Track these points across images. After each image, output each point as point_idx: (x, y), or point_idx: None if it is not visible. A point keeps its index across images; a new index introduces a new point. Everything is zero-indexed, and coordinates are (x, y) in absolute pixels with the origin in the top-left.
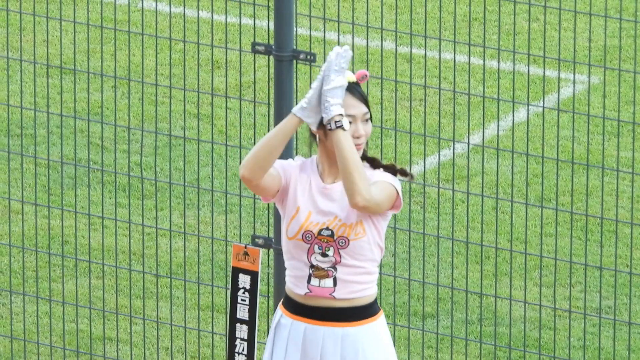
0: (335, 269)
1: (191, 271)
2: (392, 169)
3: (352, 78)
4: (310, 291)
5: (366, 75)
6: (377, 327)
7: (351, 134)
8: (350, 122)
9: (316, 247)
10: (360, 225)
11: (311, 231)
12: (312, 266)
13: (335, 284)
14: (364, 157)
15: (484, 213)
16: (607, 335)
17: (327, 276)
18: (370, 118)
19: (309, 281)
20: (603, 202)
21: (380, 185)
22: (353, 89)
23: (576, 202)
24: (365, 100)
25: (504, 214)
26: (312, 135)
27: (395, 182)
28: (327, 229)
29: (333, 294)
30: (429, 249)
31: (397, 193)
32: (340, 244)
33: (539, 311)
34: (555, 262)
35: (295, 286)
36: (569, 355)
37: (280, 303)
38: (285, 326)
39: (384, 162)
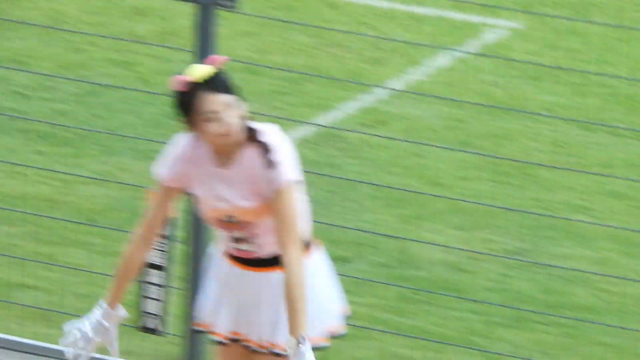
0: (255, 237)
1: (110, 218)
2: (268, 148)
3: (206, 70)
4: (236, 252)
5: (217, 60)
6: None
7: (217, 127)
8: (213, 118)
9: (228, 229)
10: (263, 207)
11: (218, 219)
12: (232, 237)
13: (258, 248)
14: (248, 131)
15: (404, 158)
16: (523, 278)
17: (248, 242)
18: (241, 97)
19: (237, 244)
20: (523, 146)
21: (289, 211)
22: (208, 82)
23: (497, 146)
24: (223, 88)
25: (423, 158)
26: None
27: (293, 173)
28: (231, 216)
29: (258, 256)
30: (349, 194)
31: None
32: (248, 226)
33: (456, 254)
34: (473, 206)
35: (222, 243)
36: (484, 298)
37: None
38: (213, 256)
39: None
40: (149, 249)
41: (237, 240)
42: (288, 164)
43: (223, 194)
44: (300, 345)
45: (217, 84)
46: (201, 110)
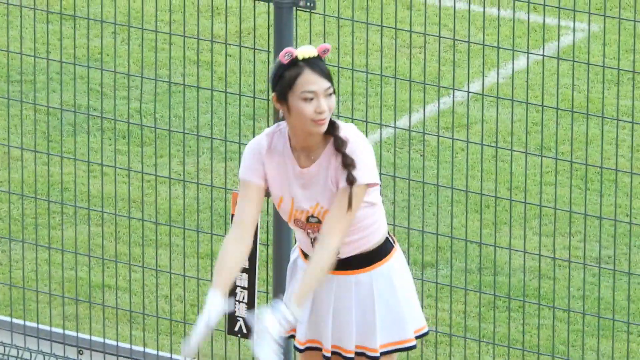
0: None
1: (190, 219)
2: (342, 142)
3: (314, 52)
4: None
5: (327, 49)
6: (389, 267)
7: (314, 109)
8: (312, 99)
9: (309, 230)
10: None
11: (299, 219)
12: (312, 239)
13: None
14: (330, 125)
15: (483, 161)
16: (607, 285)
17: None
18: (335, 92)
19: (313, 246)
20: (603, 150)
21: (351, 208)
22: (313, 64)
23: (576, 150)
24: (326, 75)
25: (503, 162)
26: (276, 110)
27: (370, 177)
28: (313, 216)
29: (338, 255)
30: (429, 197)
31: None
32: None
33: (539, 260)
34: (555, 211)
35: (303, 246)
36: (568, 305)
37: (297, 244)
38: (302, 268)
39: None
40: (245, 250)
41: (317, 242)
42: (366, 165)
43: (305, 193)
44: (286, 312)
45: (321, 68)
46: (303, 89)
